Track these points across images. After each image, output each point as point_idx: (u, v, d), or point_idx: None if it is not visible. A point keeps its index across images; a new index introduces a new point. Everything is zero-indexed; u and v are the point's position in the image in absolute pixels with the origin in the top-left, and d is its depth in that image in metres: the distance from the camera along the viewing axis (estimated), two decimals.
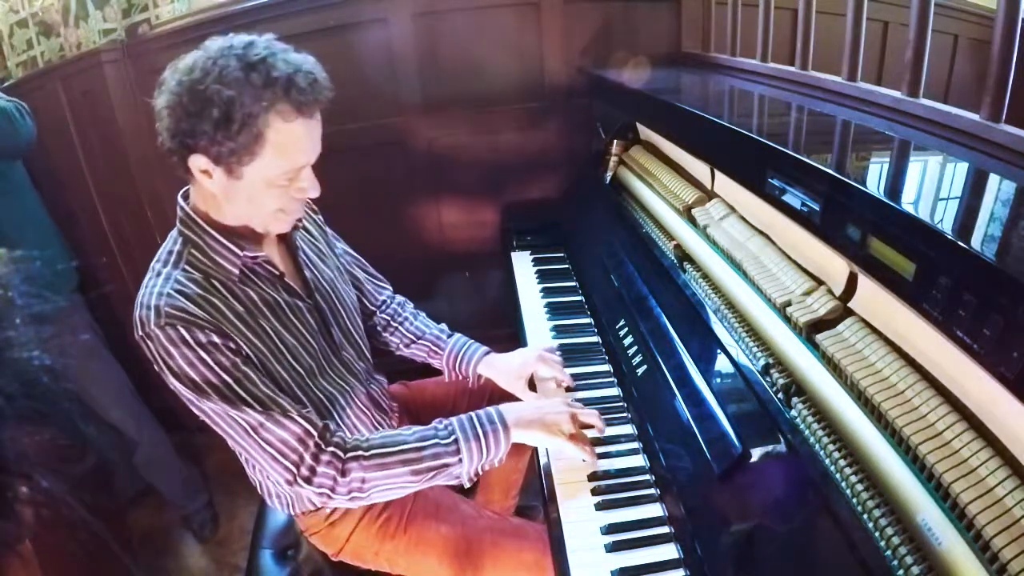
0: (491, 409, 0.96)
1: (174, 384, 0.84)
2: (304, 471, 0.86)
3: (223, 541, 1.86)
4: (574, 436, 0.96)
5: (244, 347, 0.87)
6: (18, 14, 1.94)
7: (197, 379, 0.82)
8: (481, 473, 0.94)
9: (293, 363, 0.94)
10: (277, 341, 0.92)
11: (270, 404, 0.85)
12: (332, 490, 0.88)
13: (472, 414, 0.95)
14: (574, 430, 0.96)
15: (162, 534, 1.90)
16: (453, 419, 0.94)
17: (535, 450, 1.07)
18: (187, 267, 0.87)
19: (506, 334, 1.42)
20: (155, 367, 0.85)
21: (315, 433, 0.87)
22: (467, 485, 0.94)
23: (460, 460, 0.91)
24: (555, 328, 1.36)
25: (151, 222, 1.91)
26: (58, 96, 1.88)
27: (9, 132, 1.42)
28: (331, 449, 0.88)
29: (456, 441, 0.91)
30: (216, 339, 0.83)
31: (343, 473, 0.88)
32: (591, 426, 1.01)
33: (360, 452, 0.89)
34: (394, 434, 0.93)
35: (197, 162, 0.82)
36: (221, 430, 0.87)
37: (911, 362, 0.71)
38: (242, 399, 0.84)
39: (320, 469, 0.87)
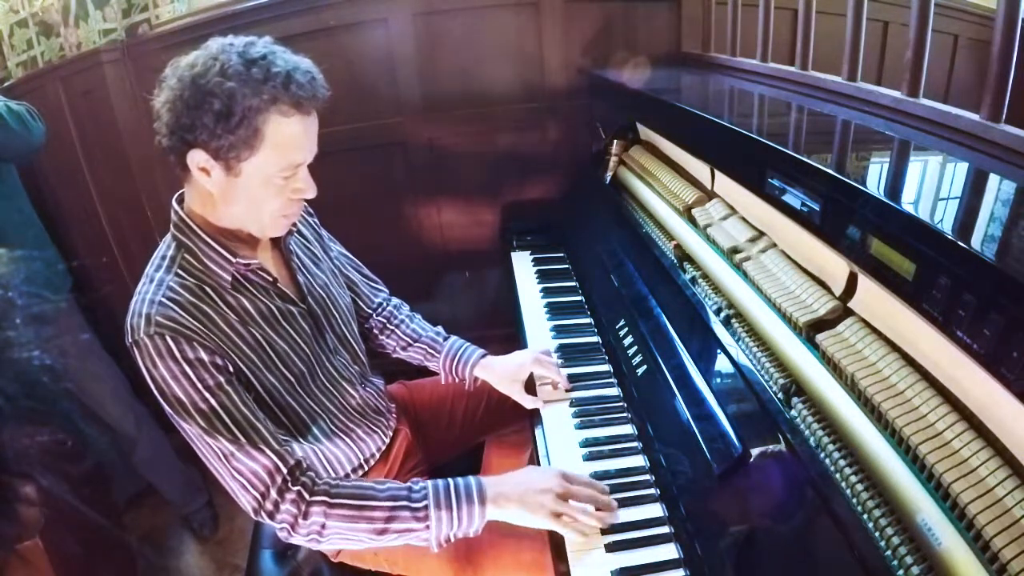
0: (472, 480, 0.91)
1: (156, 396, 0.84)
2: (268, 505, 0.85)
3: (223, 541, 1.86)
4: (561, 516, 0.87)
5: (234, 358, 0.87)
6: (18, 14, 1.94)
7: (180, 395, 0.82)
8: (452, 540, 0.90)
9: (284, 370, 0.94)
10: (268, 348, 0.92)
11: (247, 429, 0.84)
12: (292, 528, 0.86)
13: (451, 481, 0.90)
14: (561, 510, 0.87)
15: (162, 534, 1.90)
16: (429, 483, 0.90)
17: (535, 450, 1.07)
18: (180, 272, 0.87)
19: (506, 334, 1.42)
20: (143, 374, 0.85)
21: (284, 469, 0.86)
22: (435, 551, 0.89)
23: (427, 527, 0.87)
24: (555, 328, 1.36)
25: (151, 222, 1.91)
26: (58, 96, 1.88)
27: (24, 134, 1.43)
28: (297, 488, 0.86)
29: (427, 507, 0.87)
30: (203, 355, 0.83)
31: (305, 516, 0.86)
32: (600, 503, 0.90)
33: (326, 498, 0.86)
34: (367, 486, 0.89)
35: (196, 158, 0.82)
36: (196, 448, 0.87)
37: (911, 362, 0.71)
38: (221, 422, 0.83)
39: (283, 506, 0.85)
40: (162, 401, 0.84)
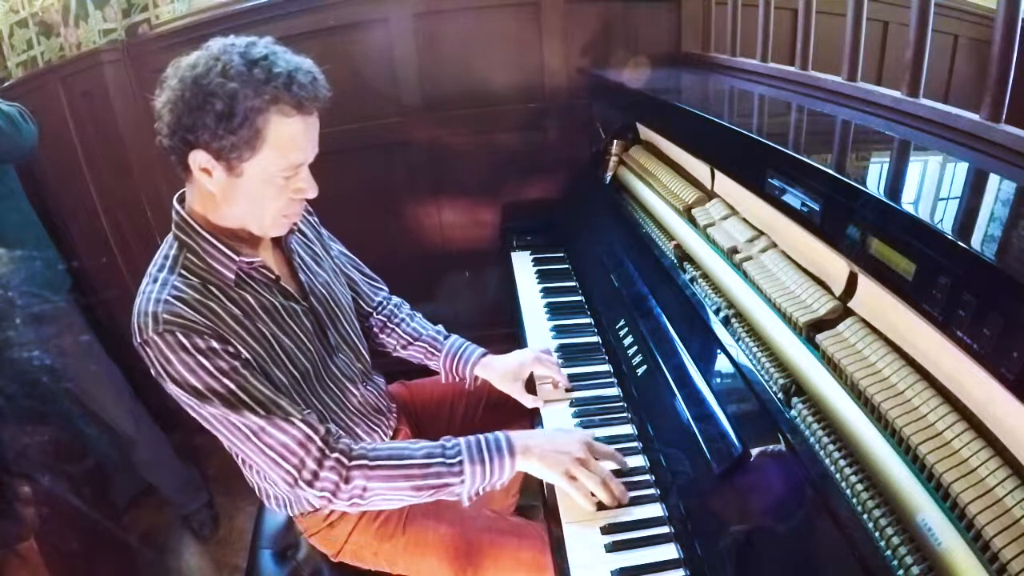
0: (500, 434, 0.94)
1: (173, 390, 0.84)
2: (306, 475, 0.87)
3: (223, 541, 1.86)
4: (576, 478, 0.91)
5: (243, 351, 0.87)
6: (18, 14, 1.94)
7: (198, 385, 0.82)
8: (481, 494, 0.94)
9: (290, 367, 0.94)
10: (274, 344, 0.92)
11: (271, 407, 0.85)
12: (334, 494, 0.88)
13: (481, 437, 0.94)
14: (576, 473, 0.91)
15: (162, 534, 1.90)
16: (461, 439, 0.94)
17: None
18: (184, 272, 0.87)
19: (506, 334, 1.42)
20: (153, 373, 0.85)
21: (316, 438, 0.87)
22: (466, 504, 0.93)
23: (462, 481, 0.91)
24: (555, 328, 1.36)
25: (151, 222, 1.91)
26: (58, 96, 1.88)
27: (14, 136, 1.43)
28: (335, 455, 0.88)
29: (461, 463, 0.91)
30: (215, 344, 0.83)
31: (346, 480, 0.88)
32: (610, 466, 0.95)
33: (365, 461, 0.89)
34: (401, 446, 0.92)
35: (197, 159, 0.82)
36: (221, 435, 0.87)
37: (911, 362, 0.71)
38: (243, 403, 0.84)
39: (323, 474, 0.87)
40: (181, 393, 0.84)
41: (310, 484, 0.87)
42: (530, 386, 1.17)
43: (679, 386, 0.97)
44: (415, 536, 1.03)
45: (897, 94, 1.06)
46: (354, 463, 0.89)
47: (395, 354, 1.26)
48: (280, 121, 0.82)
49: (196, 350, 0.82)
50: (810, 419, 0.77)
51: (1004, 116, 0.87)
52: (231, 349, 0.85)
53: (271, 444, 0.86)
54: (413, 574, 1.05)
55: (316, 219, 1.15)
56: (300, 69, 0.83)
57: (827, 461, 0.72)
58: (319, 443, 0.87)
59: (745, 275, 0.99)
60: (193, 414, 0.87)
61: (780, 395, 0.83)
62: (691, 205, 1.23)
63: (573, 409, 1.12)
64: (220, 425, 0.86)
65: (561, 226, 1.76)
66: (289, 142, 0.83)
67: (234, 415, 0.84)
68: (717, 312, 1.01)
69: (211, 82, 0.78)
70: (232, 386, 0.84)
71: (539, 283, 1.56)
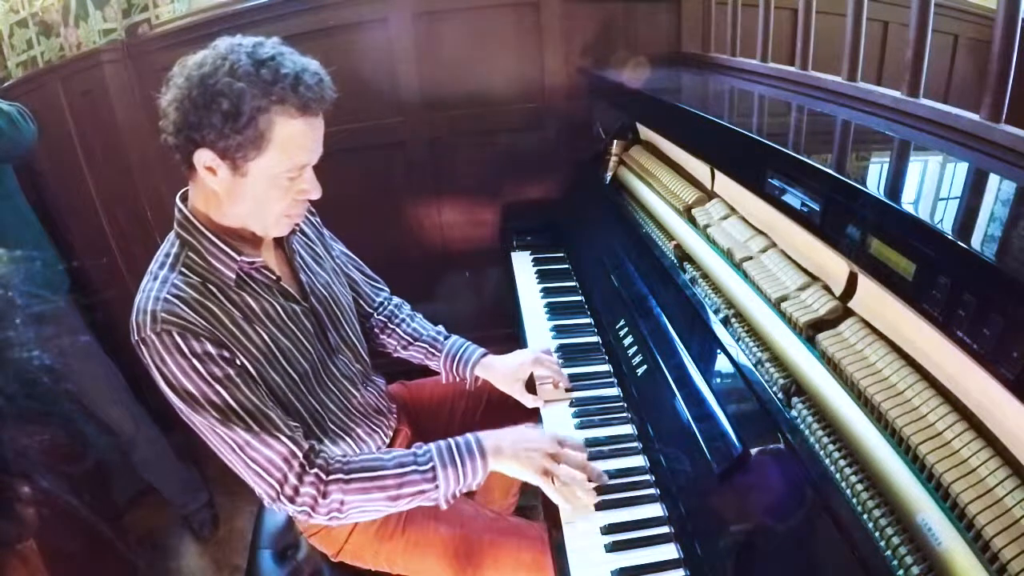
0: (471, 436, 0.95)
1: (166, 392, 0.84)
2: (287, 490, 0.87)
3: (223, 541, 1.86)
4: (550, 474, 0.92)
5: (239, 355, 0.87)
6: (18, 14, 1.94)
7: (191, 389, 0.83)
8: (458, 495, 0.94)
9: (288, 368, 0.94)
10: (272, 346, 0.92)
11: (260, 419, 0.85)
12: (312, 509, 0.88)
13: (451, 441, 0.94)
14: (551, 468, 0.92)
15: (162, 534, 1.90)
16: (431, 445, 0.94)
17: None
18: (184, 270, 0.87)
19: (506, 334, 1.42)
20: (150, 372, 0.85)
21: (300, 454, 0.87)
22: (444, 507, 0.93)
23: (436, 486, 0.91)
24: (555, 328, 1.36)
25: (151, 222, 1.91)
26: (58, 96, 1.88)
27: (13, 135, 1.43)
28: (314, 471, 0.88)
29: (433, 468, 0.91)
30: (211, 348, 0.83)
31: (324, 495, 0.88)
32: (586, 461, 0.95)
33: (341, 476, 0.89)
34: (374, 458, 0.93)
35: (202, 158, 0.82)
36: (209, 442, 0.87)
37: (911, 362, 0.71)
38: (233, 413, 0.84)
39: (303, 489, 0.87)
40: (173, 396, 0.84)
41: (291, 500, 0.87)
42: (530, 386, 1.17)
43: (679, 386, 0.97)
44: (415, 536, 1.03)
45: (897, 94, 1.06)
46: (331, 477, 0.88)
47: (395, 355, 1.26)
48: (286, 122, 0.82)
49: (192, 353, 0.82)
50: (810, 419, 0.77)
51: (1004, 116, 0.87)
52: (226, 354, 0.85)
53: (255, 459, 0.86)
54: (413, 574, 1.05)
55: (318, 219, 1.15)
56: (307, 70, 0.83)
57: (827, 461, 0.72)
58: (301, 459, 0.87)
59: (745, 275, 0.99)
60: (184, 417, 0.86)
61: (780, 395, 0.83)
62: (691, 205, 1.23)
63: (573, 409, 1.12)
64: (208, 433, 0.86)
65: (561, 226, 1.76)
66: (294, 143, 0.84)
67: (221, 427, 0.84)
68: (717, 312, 1.01)
69: (218, 81, 0.79)
70: (224, 394, 0.84)
71: (539, 283, 1.56)
